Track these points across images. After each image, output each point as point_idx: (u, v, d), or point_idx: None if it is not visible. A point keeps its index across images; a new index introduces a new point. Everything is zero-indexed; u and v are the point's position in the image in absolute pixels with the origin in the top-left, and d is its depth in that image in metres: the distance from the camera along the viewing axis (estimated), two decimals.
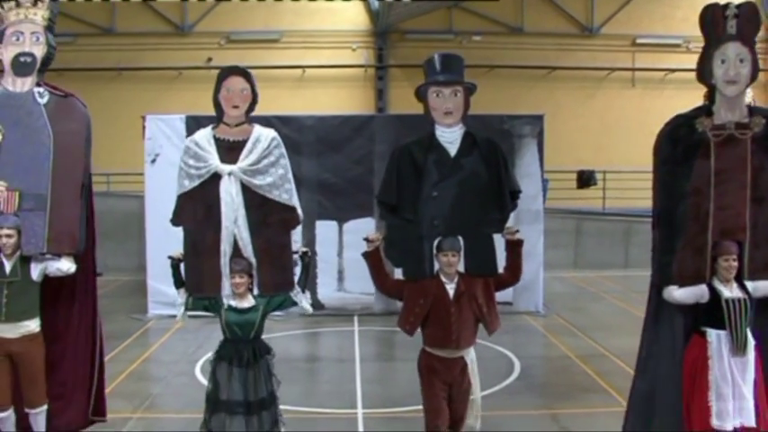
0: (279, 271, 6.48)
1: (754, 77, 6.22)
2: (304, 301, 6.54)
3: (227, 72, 6.60)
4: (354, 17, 23.36)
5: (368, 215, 13.93)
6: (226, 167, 6.38)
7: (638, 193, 20.57)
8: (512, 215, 14.85)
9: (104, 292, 16.35)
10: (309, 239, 14.28)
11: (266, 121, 13.78)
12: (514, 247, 6.57)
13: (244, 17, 22.84)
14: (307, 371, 11.13)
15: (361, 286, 14.28)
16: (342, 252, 14.34)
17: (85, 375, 7.04)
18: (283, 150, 6.57)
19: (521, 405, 9.00)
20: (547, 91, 22.96)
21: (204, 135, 6.57)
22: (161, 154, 14.09)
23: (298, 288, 6.52)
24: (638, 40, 23.52)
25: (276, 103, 20.90)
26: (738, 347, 5.91)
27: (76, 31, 22.07)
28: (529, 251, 14.26)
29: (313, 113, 15.48)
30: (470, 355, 6.36)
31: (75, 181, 6.72)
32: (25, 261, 6.48)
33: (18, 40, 6.74)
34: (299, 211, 6.62)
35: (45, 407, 6.66)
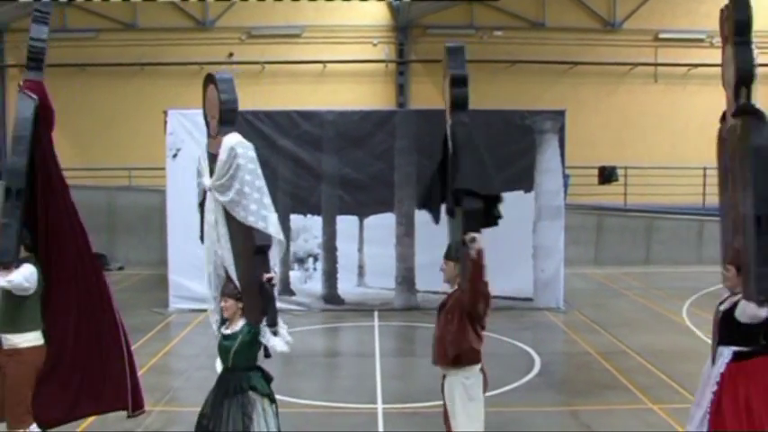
0: (251, 300, 5.81)
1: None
2: (272, 340, 5.72)
3: (204, 82, 6.19)
4: (375, 12, 23.33)
5: (388, 210, 13.95)
6: (207, 183, 5.94)
7: (660, 189, 20.58)
8: (532, 210, 14.87)
9: (126, 286, 16.52)
10: (330, 234, 14.31)
11: (287, 116, 13.96)
12: (469, 262, 5.56)
13: (265, 12, 22.87)
14: (327, 366, 11.16)
15: (381, 281, 14.30)
16: (362, 247, 14.34)
17: (112, 369, 6.72)
18: (242, 162, 5.72)
19: (541, 401, 8.97)
20: (568, 86, 22.84)
21: (203, 149, 6.23)
22: (182, 149, 14.15)
23: (263, 326, 5.71)
24: (661, 35, 23.32)
25: (297, 98, 20.99)
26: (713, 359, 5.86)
27: (99, 26, 22.22)
28: (550, 247, 14.42)
29: (334, 109, 15.49)
30: (451, 380, 5.77)
31: None
32: None
33: None
34: (268, 227, 5.70)
35: None
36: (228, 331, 5.83)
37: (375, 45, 23.42)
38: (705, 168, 20.91)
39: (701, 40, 23.04)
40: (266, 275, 5.71)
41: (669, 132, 22.65)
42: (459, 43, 6.29)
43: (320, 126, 14.23)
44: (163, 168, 14.67)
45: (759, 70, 22.75)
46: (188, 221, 14.01)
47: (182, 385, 9.73)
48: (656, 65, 23.16)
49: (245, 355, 5.78)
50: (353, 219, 14.37)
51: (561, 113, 14.62)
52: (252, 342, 5.76)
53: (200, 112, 14.51)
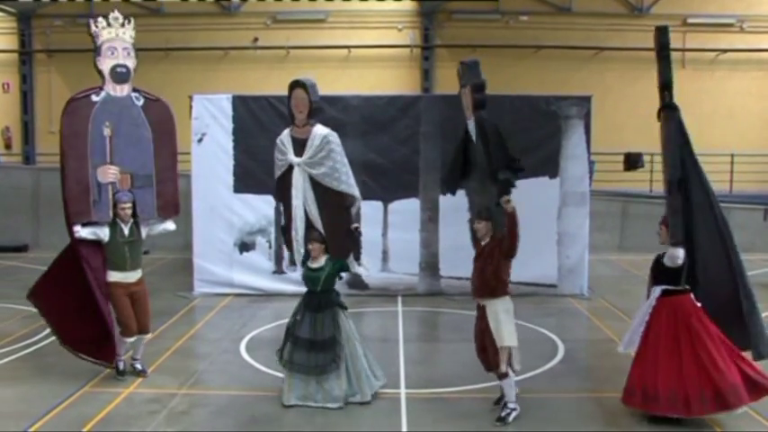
0: (338, 241, 8.29)
1: None
2: (355, 266, 8.44)
3: (292, 85, 8.41)
4: None
5: (413, 196, 13.91)
6: (295, 160, 8.36)
7: None
8: (557, 196, 14.80)
9: (151, 270, 16.61)
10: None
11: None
12: (507, 217, 7.54)
13: None
14: None
15: (404, 267, 14.29)
16: (386, 232, 14.34)
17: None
18: (334, 146, 8.28)
19: (564, 388, 8.95)
20: (595, 72, 22.68)
21: (286, 134, 8.50)
22: (207, 133, 14.21)
23: (351, 258, 8.34)
24: (690, 20, 23.07)
25: (322, 82, 20.68)
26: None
27: (125, 11, 22.23)
28: (574, 233, 14.36)
29: (359, 93, 15.46)
30: (494, 307, 7.73)
31: (171, 163, 9.24)
32: (136, 225, 8.97)
33: (112, 54, 9.06)
34: (354, 193, 8.41)
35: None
36: (315, 265, 8.22)
37: (400, 30, 23.36)
38: (732, 155, 20.73)
39: (730, 25, 22.80)
40: (354, 225, 8.33)
41: (696, 118, 22.18)
42: (474, 58, 8.32)
43: (345, 111, 14.21)
44: (188, 153, 14.70)
45: (760, 55, 22.19)
46: (213, 206, 14.23)
47: (206, 368, 9.80)
48: (683, 50, 22.82)
49: (330, 281, 8.26)
50: (378, 204, 14.36)
51: (587, 99, 14.51)
52: (335, 272, 8.26)
53: (225, 96, 14.84)
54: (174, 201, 9.33)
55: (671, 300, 7.63)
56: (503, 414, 7.68)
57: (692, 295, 7.65)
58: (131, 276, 8.96)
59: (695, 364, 7.35)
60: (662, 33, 8.45)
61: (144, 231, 9.09)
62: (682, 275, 7.64)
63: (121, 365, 9.14)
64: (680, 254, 7.56)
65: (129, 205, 8.85)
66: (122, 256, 8.87)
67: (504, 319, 7.65)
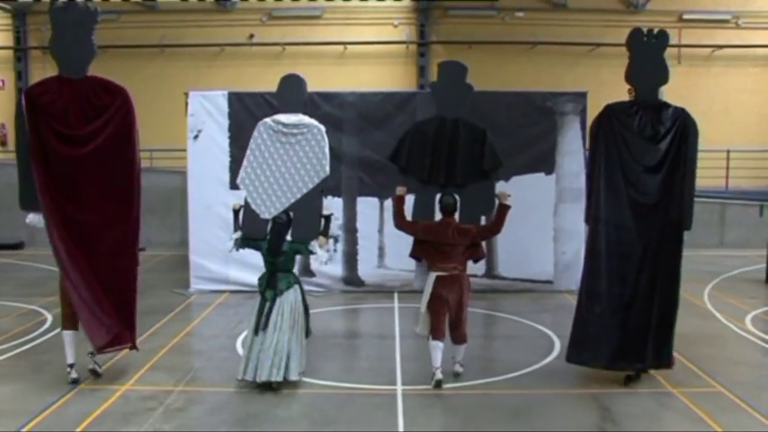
0: None
1: None
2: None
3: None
4: None
5: (409, 192, 13.87)
6: None
7: None
8: (553, 193, 14.84)
9: (147, 267, 16.59)
10: (350, 216, 14.31)
11: (308, 98, 13.87)
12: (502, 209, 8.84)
13: None
14: (347, 347, 11.18)
15: (401, 263, 14.26)
16: (383, 228, 14.31)
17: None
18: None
19: (561, 384, 8.94)
20: (590, 68, 22.64)
21: None
22: (203, 130, 14.17)
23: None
24: (685, 16, 23.05)
25: (317, 79, 20.81)
26: None
27: (120, 8, 22.27)
28: (571, 229, 14.34)
29: (354, 90, 15.44)
30: None
31: None
32: None
33: None
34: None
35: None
36: None
37: (396, 26, 23.34)
38: (728, 151, 20.74)
39: (726, 21, 22.79)
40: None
41: (693, 114, 22.44)
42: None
43: (341, 107, 14.21)
44: (184, 150, 14.70)
45: (756, 51, 22.20)
46: (209, 203, 14.20)
47: (202, 365, 9.79)
48: (679, 46, 22.79)
49: None
50: (374, 200, 14.35)
51: (583, 95, 14.51)
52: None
53: (221, 93, 14.83)
54: None
55: None
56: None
57: None
58: None
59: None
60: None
61: None
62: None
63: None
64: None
65: None
66: None
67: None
